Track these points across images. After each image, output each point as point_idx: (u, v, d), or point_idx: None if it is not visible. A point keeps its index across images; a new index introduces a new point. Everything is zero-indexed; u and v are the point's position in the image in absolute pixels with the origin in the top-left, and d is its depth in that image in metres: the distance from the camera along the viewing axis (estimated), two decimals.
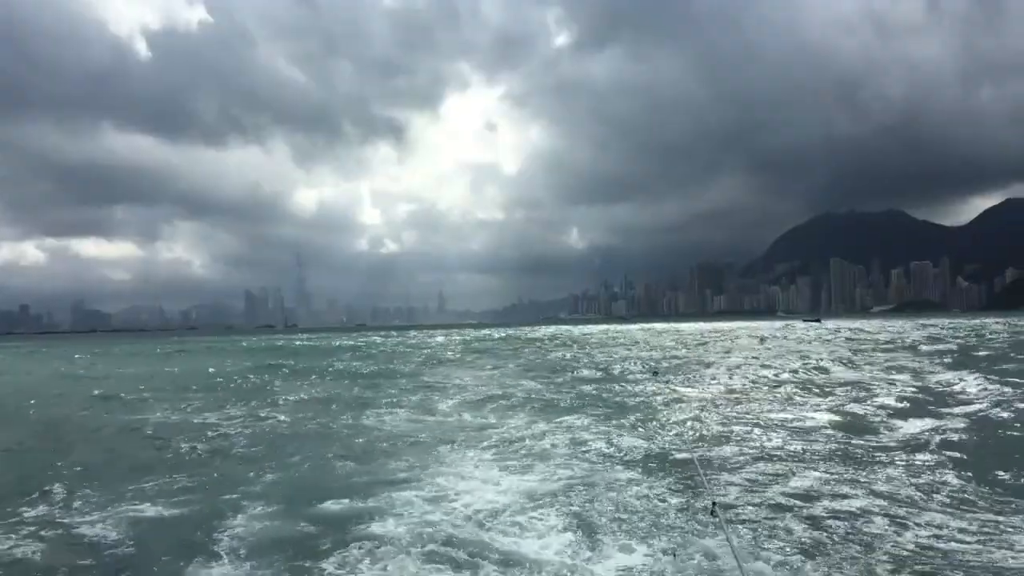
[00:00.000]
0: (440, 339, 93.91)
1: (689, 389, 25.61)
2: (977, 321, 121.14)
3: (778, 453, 13.47)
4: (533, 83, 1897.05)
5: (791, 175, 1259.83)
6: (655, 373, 37.55)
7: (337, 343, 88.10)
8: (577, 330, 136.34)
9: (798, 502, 9.97)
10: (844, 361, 35.75)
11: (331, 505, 10.33)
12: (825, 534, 8.57)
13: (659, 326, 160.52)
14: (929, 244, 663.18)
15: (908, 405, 19.17)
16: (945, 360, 35.27)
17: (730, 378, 29.29)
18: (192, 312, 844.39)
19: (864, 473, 11.53)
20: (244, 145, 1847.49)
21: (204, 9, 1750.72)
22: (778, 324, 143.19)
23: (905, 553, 7.86)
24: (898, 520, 9.03)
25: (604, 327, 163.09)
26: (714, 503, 6.66)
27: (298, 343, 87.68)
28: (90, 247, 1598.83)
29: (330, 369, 40.74)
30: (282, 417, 20.34)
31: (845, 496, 10.11)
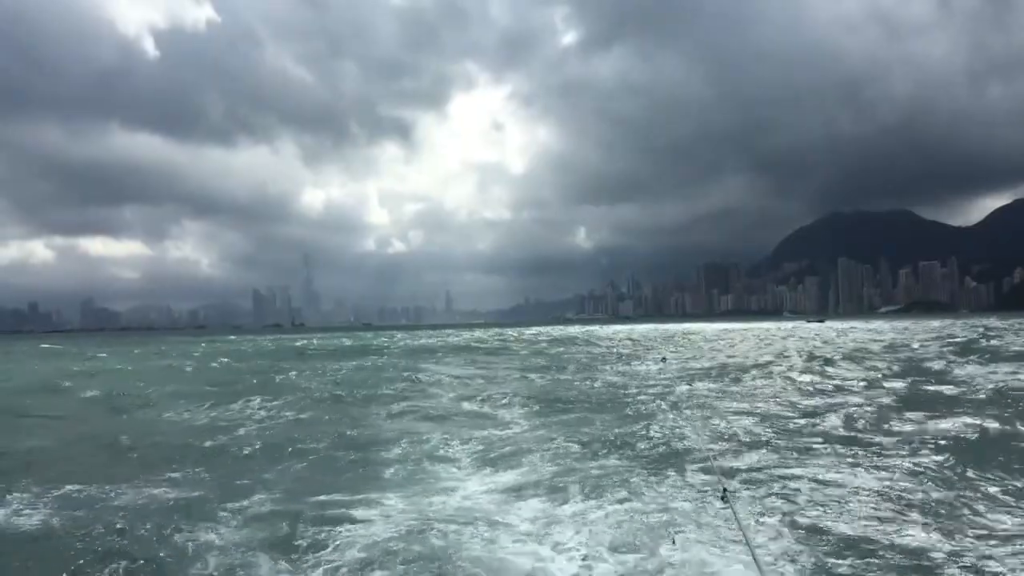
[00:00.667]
0: (455, 339, 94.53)
1: (698, 383, 26.26)
2: (984, 321, 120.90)
3: (787, 442, 13.89)
4: (540, 83, 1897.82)
5: (798, 175, 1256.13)
6: (663, 361, 38.62)
7: (349, 342, 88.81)
8: (584, 330, 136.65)
9: (808, 490, 10.22)
10: (847, 358, 36.34)
11: (330, 491, 11.02)
12: (835, 523, 8.75)
13: (666, 327, 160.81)
14: (937, 244, 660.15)
15: (903, 402, 19.63)
16: (941, 359, 35.81)
17: (738, 371, 29.86)
18: (200, 311, 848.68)
19: (870, 465, 11.76)
20: (252, 145, 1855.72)
21: (212, 9, 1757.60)
22: (785, 324, 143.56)
23: (910, 545, 8.03)
24: (903, 511, 9.25)
25: (614, 327, 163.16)
26: (725, 489, 6.71)
27: (313, 342, 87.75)
28: (98, 246, 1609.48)
29: (343, 367, 41.46)
30: (293, 413, 21.05)
31: (853, 486, 10.36)
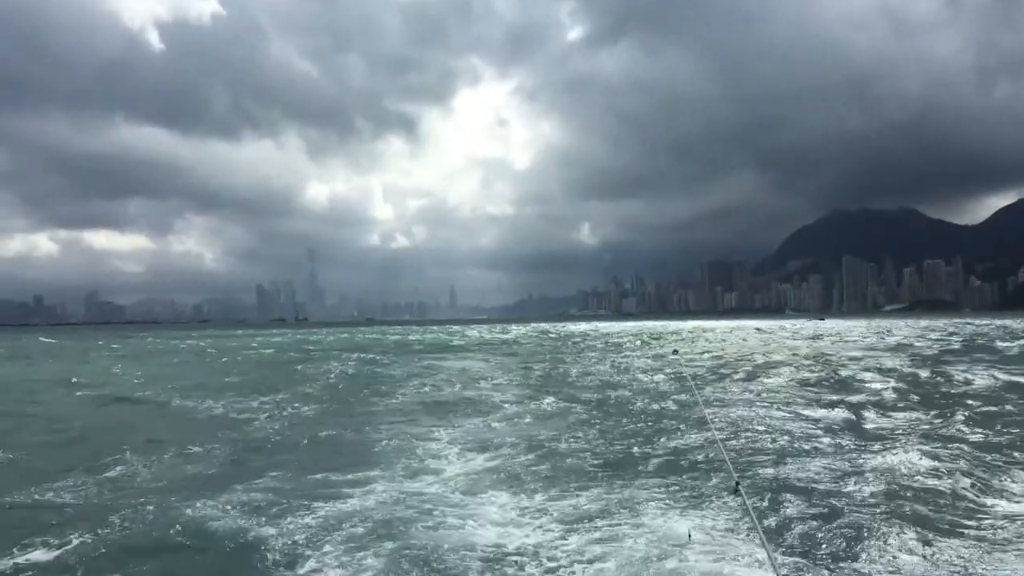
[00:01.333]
0: (457, 338, 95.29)
1: (705, 377, 26.93)
2: (985, 322, 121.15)
3: (796, 435, 14.20)
4: (545, 77, 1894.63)
5: (803, 172, 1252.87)
6: (675, 353, 39.41)
7: (361, 337, 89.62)
8: (589, 327, 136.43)
9: (819, 483, 10.42)
10: (847, 356, 37.14)
11: (326, 470, 12.34)
12: (846, 516, 8.83)
13: (666, 323, 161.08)
14: (942, 242, 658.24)
15: (907, 397, 20.31)
16: (940, 357, 36.62)
17: (744, 366, 30.64)
18: (204, 305, 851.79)
19: (878, 458, 11.80)
20: (257, 139, 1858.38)
21: (216, 2, 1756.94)
22: (786, 323, 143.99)
23: (920, 539, 8.08)
24: (912, 505, 9.33)
25: (620, 325, 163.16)
26: (737, 482, 6.59)
27: (327, 339, 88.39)
28: (102, 239, 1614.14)
29: (346, 362, 42.42)
30: (299, 404, 22.26)
31: (863, 479, 10.49)
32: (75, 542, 8.55)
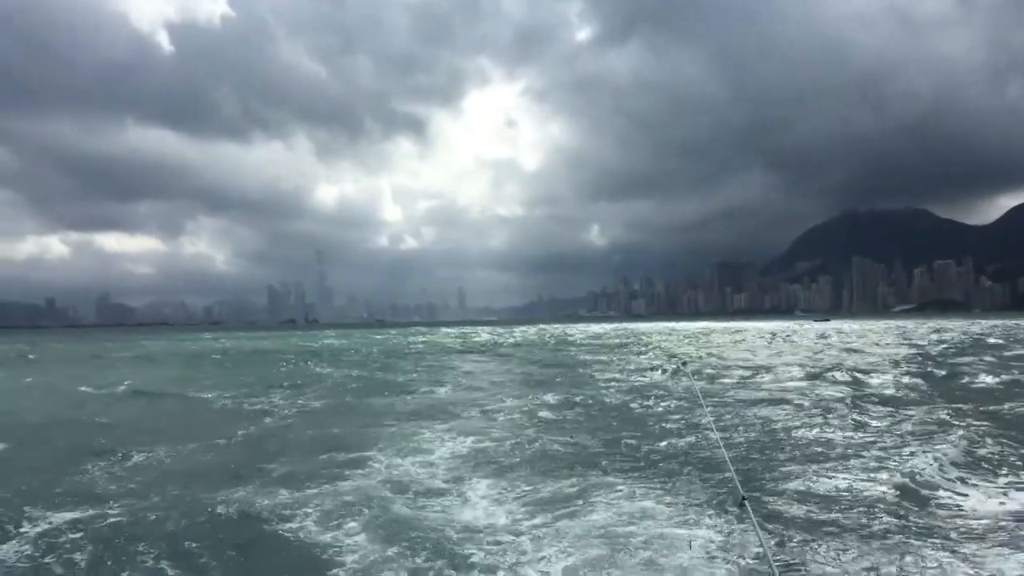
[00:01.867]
0: (462, 340, 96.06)
1: (710, 383, 27.10)
2: (995, 323, 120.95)
3: (803, 447, 13.71)
4: (554, 78, 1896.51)
5: (813, 173, 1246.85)
6: (684, 364, 39.88)
7: (369, 338, 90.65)
8: (600, 328, 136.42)
9: (823, 490, 10.31)
10: (851, 357, 37.95)
11: (334, 452, 13.98)
12: (854, 530, 8.58)
13: (674, 325, 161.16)
14: (952, 243, 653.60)
15: (915, 403, 19.79)
16: (935, 358, 37.37)
17: (750, 372, 30.80)
18: (215, 307, 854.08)
19: (887, 471, 11.41)
20: (266, 141, 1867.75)
21: (226, 4, 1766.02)
22: (791, 324, 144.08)
23: (930, 551, 7.87)
24: (922, 516, 9.13)
25: (628, 325, 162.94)
26: (743, 497, 6.38)
27: (336, 340, 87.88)
28: (113, 242, 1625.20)
29: (356, 362, 43.48)
30: (308, 400, 23.70)
31: (871, 493, 10.20)
32: (109, 512, 9.91)
